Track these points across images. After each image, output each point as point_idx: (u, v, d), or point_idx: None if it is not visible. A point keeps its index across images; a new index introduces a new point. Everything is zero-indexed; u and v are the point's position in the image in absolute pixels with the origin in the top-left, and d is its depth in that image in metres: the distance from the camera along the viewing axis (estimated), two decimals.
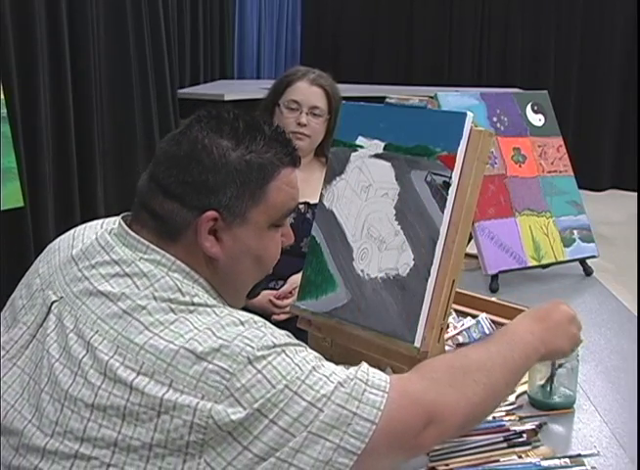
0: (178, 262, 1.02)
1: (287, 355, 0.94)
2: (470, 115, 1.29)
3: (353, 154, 1.44)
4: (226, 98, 4.98)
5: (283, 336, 0.98)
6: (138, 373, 0.91)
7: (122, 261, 1.01)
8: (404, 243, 1.32)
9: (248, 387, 0.90)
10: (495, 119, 2.08)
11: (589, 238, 2.15)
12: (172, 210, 1.02)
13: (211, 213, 1.01)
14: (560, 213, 2.11)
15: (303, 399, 0.91)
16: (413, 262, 1.30)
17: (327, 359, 1.37)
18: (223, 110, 1.08)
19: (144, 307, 0.95)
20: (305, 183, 2.17)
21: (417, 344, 1.26)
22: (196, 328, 0.93)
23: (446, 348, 1.37)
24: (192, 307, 0.97)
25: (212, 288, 1.05)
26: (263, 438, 0.89)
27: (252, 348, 0.92)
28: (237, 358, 0.91)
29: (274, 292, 2.07)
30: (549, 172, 2.13)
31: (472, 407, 1.02)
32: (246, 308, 2.23)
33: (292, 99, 2.13)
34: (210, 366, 0.90)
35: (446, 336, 1.46)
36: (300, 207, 2.13)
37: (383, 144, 1.40)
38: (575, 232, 2.13)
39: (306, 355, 0.97)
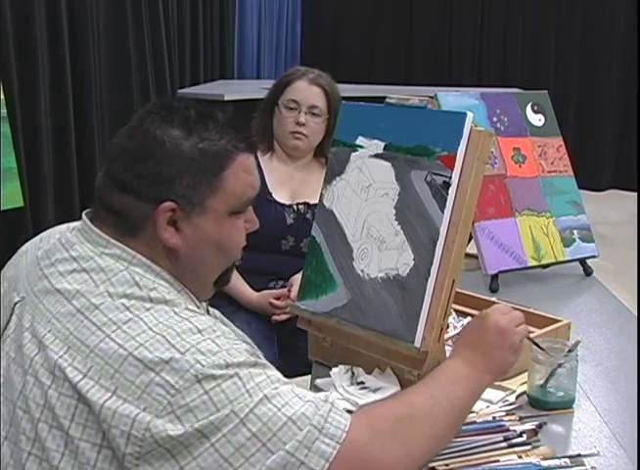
0: (139, 256, 1.01)
1: (239, 379, 0.91)
2: (470, 115, 1.29)
3: (353, 154, 1.44)
4: (226, 98, 4.97)
5: (241, 353, 0.94)
6: (85, 375, 0.90)
7: (81, 258, 1.00)
8: (404, 243, 1.32)
9: (191, 406, 0.88)
10: (495, 119, 2.08)
11: (589, 238, 2.15)
12: (129, 204, 1.01)
13: (168, 204, 1.00)
14: (560, 213, 2.11)
15: (249, 430, 0.89)
16: (413, 262, 1.30)
17: (327, 359, 1.37)
18: (174, 100, 1.08)
19: (97, 306, 0.94)
20: (305, 183, 2.19)
21: (417, 344, 1.26)
22: (150, 329, 0.92)
23: (446, 348, 1.37)
24: (149, 304, 0.95)
25: (176, 280, 1.04)
26: (202, 462, 0.88)
27: (203, 365, 0.90)
28: (185, 375, 0.89)
29: (274, 292, 2.07)
30: (549, 172, 2.13)
31: (413, 461, 1.01)
32: (246, 309, 2.25)
33: (291, 98, 2.13)
34: (157, 379, 0.88)
35: (446, 336, 1.46)
36: (300, 207, 2.13)
37: (383, 144, 1.40)
38: (575, 232, 2.13)
39: (261, 381, 0.93)
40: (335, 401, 0.97)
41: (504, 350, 1.17)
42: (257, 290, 2.08)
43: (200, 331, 0.93)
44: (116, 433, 0.87)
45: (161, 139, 1.01)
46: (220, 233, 1.06)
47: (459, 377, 1.11)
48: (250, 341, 1.08)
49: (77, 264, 1.00)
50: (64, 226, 1.13)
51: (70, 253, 1.02)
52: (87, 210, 1.09)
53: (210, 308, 1.26)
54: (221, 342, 0.94)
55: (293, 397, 0.93)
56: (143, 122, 1.03)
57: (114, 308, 0.94)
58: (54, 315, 0.96)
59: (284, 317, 2.03)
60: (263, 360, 0.97)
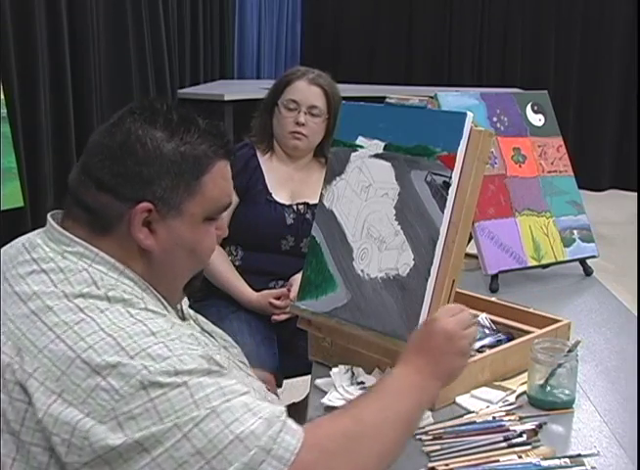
0: (102, 254, 1.00)
1: (187, 388, 0.88)
2: (470, 115, 1.29)
3: (353, 154, 1.44)
4: (226, 98, 4.98)
5: (194, 359, 0.92)
6: (30, 376, 0.89)
7: (41, 259, 1.00)
8: (404, 243, 1.32)
9: (134, 414, 0.86)
10: (495, 119, 2.08)
11: (589, 238, 2.15)
12: (105, 202, 1.01)
13: (145, 205, 1.00)
14: (560, 213, 2.11)
15: (193, 446, 0.86)
16: (413, 262, 1.30)
17: (327, 359, 1.37)
18: (156, 101, 1.07)
19: (51, 308, 0.93)
20: (304, 184, 2.19)
21: None
22: (102, 330, 0.91)
23: None
24: (105, 304, 0.94)
25: (142, 279, 1.03)
26: None
27: (150, 371, 0.87)
28: (130, 381, 0.87)
29: (274, 292, 2.07)
30: (549, 172, 2.13)
31: None
32: (246, 309, 2.25)
33: (290, 98, 2.13)
34: (103, 383, 0.87)
35: None
36: (300, 207, 2.13)
37: (383, 144, 1.40)
38: (575, 232, 2.13)
39: (212, 392, 0.89)
40: (287, 420, 0.92)
41: (452, 354, 1.13)
42: (257, 290, 2.08)
43: (153, 334, 0.92)
44: (57, 441, 0.86)
45: (144, 139, 1.01)
46: (194, 237, 1.05)
47: (407, 386, 1.08)
48: (213, 343, 1.06)
49: (37, 266, 0.99)
50: (34, 232, 1.12)
51: (32, 255, 1.01)
52: (54, 210, 1.08)
53: (192, 312, 1.23)
54: (174, 346, 0.92)
55: (244, 412, 0.89)
56: (125, 121, 1.03)
57: (67, 310, 0.93)
58: (9, 317, 0.95)
59: (284, 317, 2.03)
60: (217, 368, 0.94)
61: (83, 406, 0.86)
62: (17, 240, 1.10)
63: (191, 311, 1.21)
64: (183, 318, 1.17)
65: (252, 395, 0.94)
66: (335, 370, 1.37)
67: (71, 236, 1.01)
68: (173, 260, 1.05)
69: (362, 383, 1.33)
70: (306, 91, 2.13)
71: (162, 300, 1.06)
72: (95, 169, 1.02)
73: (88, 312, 0.93)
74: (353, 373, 1.36)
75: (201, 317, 1.26)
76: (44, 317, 0.93)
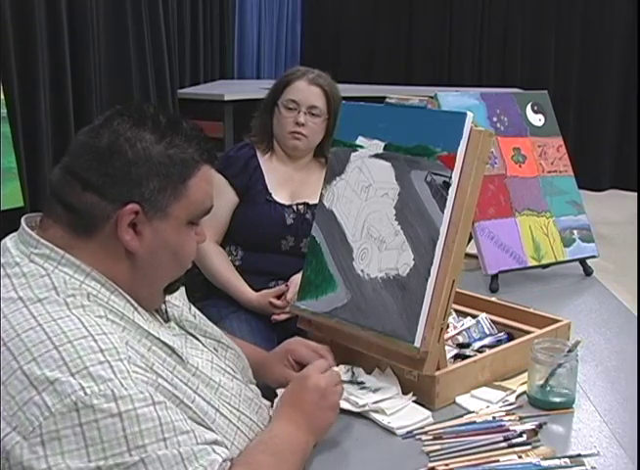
0: (67, 256, 1.00)
1: (121, 420, 0.86)
2: (470, 115, 1.29)
3: (353, 154, 1.44)
4: (226, 98, 4.98)
5: (137, 384, 0.89)
6: None
7: (7, 264, 0.99)
8: (404, 243, 1.32)
9: (60, 435, 0.84)
10: (495, 119, 2.08)
11: (589, 238, 2.15)
12: (91, 202, 1.00)
13: (133, 206, 0.99)
14: (560, 213, 2.11)
15: None
16: (413, 262, 1.30)
17: None
18: (143, 104, 1.07)
19: (5, 315, 0.93)
20: (304, 184, 2.19)
21: (417, 344, 1.27)
22: (49, 339, 0.89)
23: (446, 348, 1.37)
24: (59, 313, 0.93)
25: (109, 281, 1.01)
26: None
27: (87, 394, 0.85)
28: (65, 399, 0.85)
29: (273, 291, 2.07)
30: (549, 172, 2.13)
31: None
32: (246, 309, 2.25)
33: (290, 98, 2.13)
34: (37, 398, 0.85)
35: (446, 336, 1.46)
36: (300, 207, 2.13)
37: (383, 144, 1.40)
38: (575, 232, 2.13)
39: (147, 429, 0.87)
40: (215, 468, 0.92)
41: (325, 409, 1.15)
42: (257, 290, 2.08)
43: (101, 351, 0.90)
44: None
45: (133, 141, 1.00)
46: (178, 240, 1.05)
47: (295, 443, 1.08)
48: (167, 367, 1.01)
49: (3, 271, 0.99)
50: (9, 236, 1.11)
51: (1, 259, 1.00)
52: (29, 214, 1.08)
53: (177, 313, 1.19)
54: (120, 368, 0.89)
55: (175, 464, 0.88)
56: (112, 123, 1.02)
57: (20, 317, 0.92)
58: None
59: (284, 317, 2.03)
60: (161, 398, 0.91)
61: (12, 419, 0.85)
62: None
63: (175, 313, 1.18)
64: (167, 320, 1.15)
65: (194, 434, 0.92)
66: (335, 369, 1.37)
67: (38, 237, 1.01)
68: (156, 263, 1.05)
69: (362, 383, 1.33)
70: (306, 91, 2.13)
71: (132, 301, 1.04)
72: (81, 170, 1.01)
73: (41, 320, 0.92)
74: (354, 373, 1.36)
75: (187, 317, 1.23)
76: None
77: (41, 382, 0.86)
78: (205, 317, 1.29)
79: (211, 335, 1.24)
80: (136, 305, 1.05)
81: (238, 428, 1.09)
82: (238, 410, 1.11)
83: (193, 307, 1.27)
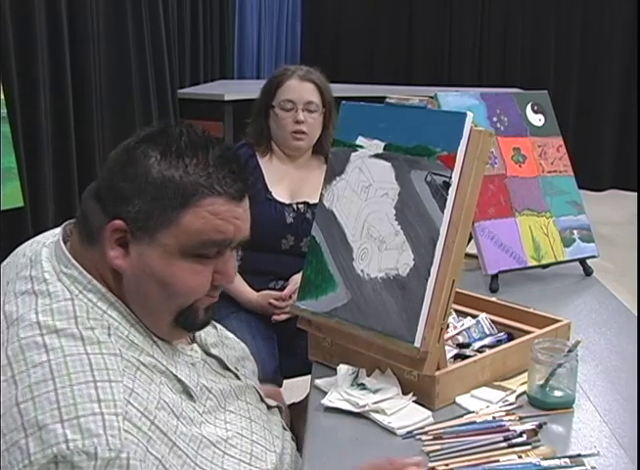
0: (94, 282, 0.98)
1: None
2: (470, 115, 1.29)
3: (353, 154, 1.44)
4: (226, 98, 4.98)
5: (123, 444, 0.86)
6: None
7: (36, 278, 0.98)
8: (404, 243, 1.32)
9: None
10: (495, 119, 2.08)
11: (589, 238, 2.15)
12: (94, 211, 1.00)
13: (118, 222, 0.97)
14: (560, 213, 2.11)
15: None
16: (413, 262, 1.30)
17: (327, 359, 1.37)
18: (178, 124, 1.03)
19: (19, 340, 0.91)
20: (304, 182, 2.19)
21: (417, 344, 1.27)
22: (52, 379, 0.87)
23: (446, 348, 1.37)
24: (72, 349, 0.91)
25: (130, 312, 1.00)
26: None
27: (69, 448, 0.83)
28: (46, 450, 0.83)
29: (274, 293, 2.07)
30: (549, 172, 2.13)
31: None
32: (246, 309, 2.24)
33: (286, 99, 2.12)
34: (22, 442, 0.84)
35: (446, 336, 1.46)
36: (300, 206, 2.13)
37: (383, 144, 1.40)
38: (575, 232, 2.13)
39: None
40: None
41: None
42: (257, 290, 2.08)
43: (99, 401, 0.87)
44: None
45: (136, 157, 0.98)
46: (166, 270, 0.98)
47: None
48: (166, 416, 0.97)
49: (31, 285, 0.97)
50: (49, 233, 1.09)
51: (32, 271, 0.99)
52: (71, 220, 1.08)
53: (204, 334, 1.17)
54: (112, 423, 0.86)
55: None
56: (139, 134, 1.02)
57: (33, 346, 0.91)
58: None
59: (284, 317, 2.03)
60: (135, 459, 0.87)
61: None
62: (33, 243, 1.07)
63: (202, 334, 1.16)
64: (193, 341, 1.14)
65: None
66: (341, 368, 1.36)
67: (69, 256, 1.00)
68: (143, 289, 0.99)
69: (362, 384, 1.33)
70: (300, 88, 2.12)
71: (152, 335, 1.02)
72: (98, 178, 1.02)
73: (52, 356, 0.90)
74: (357, 375, 1.36)
75: (207, 337, 1.18)
76: (9, 348, 0.91)
77: (31, 425, 0.84)
78: (225, 330, 1.28)
79: (233, 354, 1.24)
80: (155, 338, 1.03)
81: None
82: (249, 464, 1.07)
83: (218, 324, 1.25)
